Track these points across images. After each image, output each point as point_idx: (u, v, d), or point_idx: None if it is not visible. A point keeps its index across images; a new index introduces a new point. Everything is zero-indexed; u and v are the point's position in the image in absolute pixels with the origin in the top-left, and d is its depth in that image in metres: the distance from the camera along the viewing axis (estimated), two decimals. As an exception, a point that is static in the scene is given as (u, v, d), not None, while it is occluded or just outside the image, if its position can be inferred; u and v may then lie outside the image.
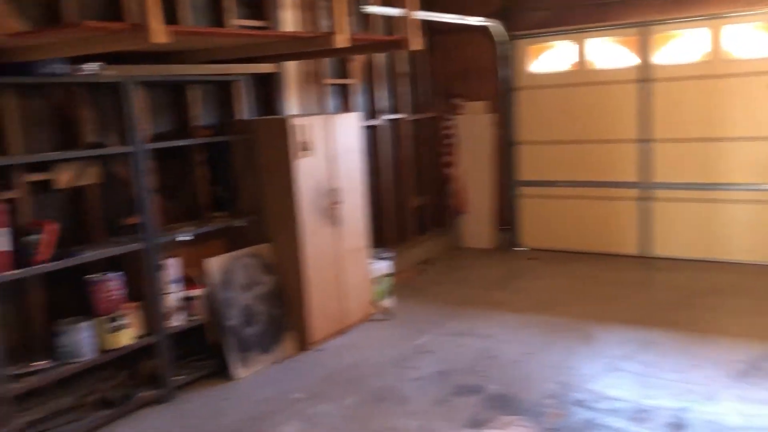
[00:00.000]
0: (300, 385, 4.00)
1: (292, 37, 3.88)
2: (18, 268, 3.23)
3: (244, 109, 4.66)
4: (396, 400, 3.75)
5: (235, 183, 4.58)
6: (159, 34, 2.69)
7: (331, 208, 4.63)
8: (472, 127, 7.06)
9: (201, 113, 4.45)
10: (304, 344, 4.50)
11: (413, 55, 6.60)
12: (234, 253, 4.33)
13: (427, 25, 6.46)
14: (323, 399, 3.80)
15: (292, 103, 5.08)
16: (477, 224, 7.19)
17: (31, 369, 3.36)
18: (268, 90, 4.95)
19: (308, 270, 4.47)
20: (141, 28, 2.67)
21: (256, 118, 4.74)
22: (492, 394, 3.74)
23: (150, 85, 4.11)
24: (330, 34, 3.70)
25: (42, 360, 3.43)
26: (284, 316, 4.49)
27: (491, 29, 6.65)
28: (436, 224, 7.16)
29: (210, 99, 4.55)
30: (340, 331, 4.76)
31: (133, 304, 3.74)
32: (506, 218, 7.09)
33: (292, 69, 5.08)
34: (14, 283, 3.44)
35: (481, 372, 4.04)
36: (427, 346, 4.49)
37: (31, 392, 3.43)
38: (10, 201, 3.40)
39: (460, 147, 7.11)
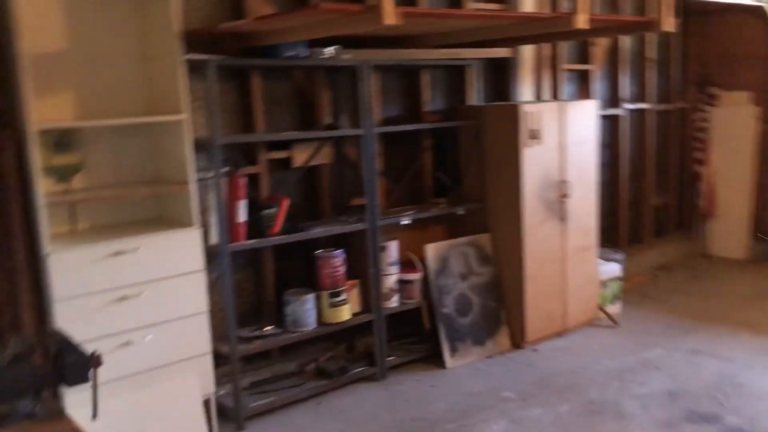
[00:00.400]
0: (511, 383, 3.84)
1: (529, 19, 3.68)
2: (254, 238, 3.47)
3: (474, 94, 4.56)
4: (615, 415, 3.43)
5: (460, 170, 4.52)
6: (391, 15, 2.67)
7: (557, 202, 4.37)
8: (731, 121, 6.23)
9: (430, 98, 4.44)
10: (518, 341, 4.32)
11: (664, 38, 5.99)
12: (453, 241, 4.28)
13: (683, 5, 5.81)
14: (535, 402, 3.60)
15: (524, 90, 4.87)
16: (728, 230, 6.36)
17: (260, 333, 3.61)
18: (500, 75, 4.80)
19: (528, 264, 4.26)
20: (374, 9, 2.68)
21: (485, 104, 4.62)
22: (730, 427, 3.25)
23: (383, 69, 4.18)
24: (570, 15, 3.44)
25: (270, 326, 3.67)
26: (500, 310, 4.35)
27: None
28: (678, 227, 6.47)
29: (440, 84, 4.53)
30: (559, 333, 4.49)
31: (353, 282, 3.86)
32: (766, 226, 6.18)
33: (527, 54, 4.86)
34: (251, 252, 3.73)
35: (720, 399, 3.54)
36: (656, 361, 4.05)
37: (257, 354, 3.71)
38: (252, 176, 3.67)
39: (713, 142, 6.34)
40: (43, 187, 2.78)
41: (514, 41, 4.48)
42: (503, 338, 4.32)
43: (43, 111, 2.88)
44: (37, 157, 2.73)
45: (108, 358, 2.81)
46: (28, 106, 2.66)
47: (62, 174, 3.06)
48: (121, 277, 2.90)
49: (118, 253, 2.88)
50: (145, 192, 3.21)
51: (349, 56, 3.72)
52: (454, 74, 4.57)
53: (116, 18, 3.17)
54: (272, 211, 3.52)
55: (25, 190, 2.78)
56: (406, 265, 4.12)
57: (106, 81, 3.15)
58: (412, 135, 4.37)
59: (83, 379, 1.61)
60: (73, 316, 2.76)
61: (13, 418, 1.50)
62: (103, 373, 2.80)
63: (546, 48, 4.98)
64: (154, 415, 2.96)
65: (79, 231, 3.12)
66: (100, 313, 2.84)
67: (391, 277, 4.02)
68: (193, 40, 3.24)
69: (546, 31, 3.72)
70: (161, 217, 3.35)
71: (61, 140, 3.01)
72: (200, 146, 3.30)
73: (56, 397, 2.73)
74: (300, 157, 3.86)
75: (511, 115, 4.15)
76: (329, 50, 3.61)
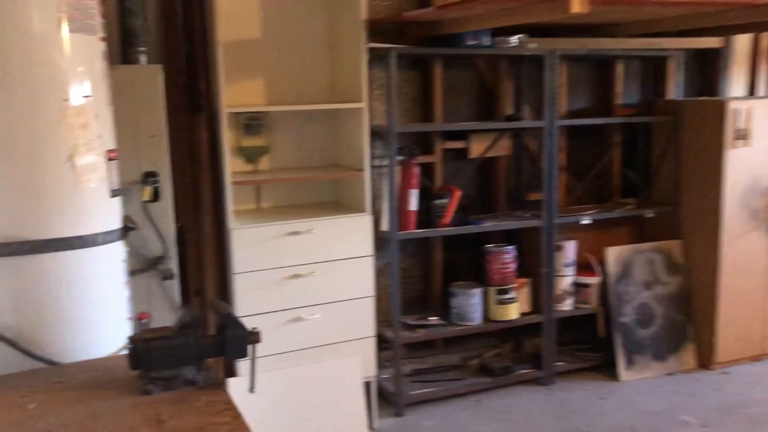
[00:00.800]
0: (692, 407, 3.49)
1: (743, 5, 3.26)
2: (424, 228, 3.47)
3: (674, 88, 4.17)
4: (816, 461, 2.99)
5: (651, 169, 4.17)
6: (578, 3, 2.50)
7: (765, 211, 3.88)
8: None
9: (622, 91, 4.13)
10: (706, 361, 3.92)
11: None
12: (637, 246, 3.96)
13: None
14: None
15: (735, 84, 4.38)
16: None
17: (424, 322, 3.61)
18: (707, 68, 4.36)
19: (725, 278, 3.83)
20: (560, -3, 2.52)
21: (686, 99, 4.21)
22: None
23: (572, 59, 3.96)
24: (796, -1, 3.01)
25: (435, 316, 3.66)
26: (687, 325, 3.97)
27: None
28: None
29: (635, 76, 4.20)
30: (756, 357, 4.01)
31: (523, 280, 3.72)
32: None
33: (742, 43, 4.35)
34: (420, 241, 3.75)
35: None
36: None
37: (421, 343, 3.71)
38: (426, 165, 3.65)
39: None
40: (232, 166, 2.98)
41: (727, 30, 4.02)
42: (688, 356, 3.94)
43: (236, 95, 3.09)
44: (227, 138, 2.93)
45: (277, 332, 2.99)
46: (221, 91, 2.86)
47: (250, 155, 3.27)
48: (295, 255, 3.04)
49: (294, 233, 3.02)
50: (323, 176, 3.33)
51: (534, 45, 3.57)
52: (653, 65, 4.21)
53: (306, 7, 3.30)
54: (444, 201, 3.49)
55: (215, 169, 3.01)
56: (583, 267, 3.89)
57: (293, 68, 3.30)
58: (600, 129, 4.11)
59: (242, 354, 1.68)
60: (250, 289, 2.94)
61: (177, 382, 1.61)
62: (271, 345, 2.96)
63: (766, 37, 4.42)
64: (315, 390, 3.08)
65: (261, 210, 3.32)
66: (273, 288, 3.00)
67: (566, 279, 3.83)
68: (378, 29, 3.29)
69: (765, 18, 3.29)
70: (337, 201, 3.46)
71: (251, 123, 3.21)
72: (378, 134, 3.35)
73: (228, 366, 2.93)
74: (477, 147, 3.79)
75: (716, 111, 3.75)
76: (514, 39, 3.48)
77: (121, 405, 1.53)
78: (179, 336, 1.65)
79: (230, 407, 1.54)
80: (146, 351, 1.59)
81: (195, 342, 1.65)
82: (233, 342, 1.68)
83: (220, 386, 1.66)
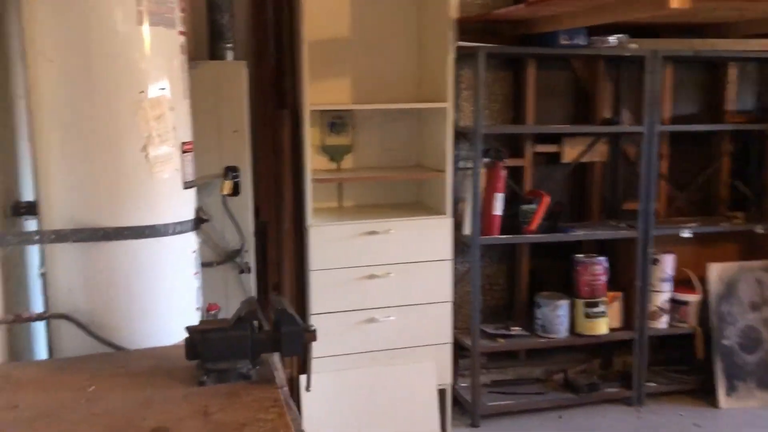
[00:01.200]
0: (800, 443, 3.19)
1: None
2: (509, 233, 3.34)
3: (796, 93, 3.83)
4: None
5: (765, 181, 3.83)
6: (679, -2, 2.33)
7: None
8: None
9: (734, 96, 3.82)
10: (820, 394, 3.56)
11: None
12: (745, 263, 3.66)
13: None
14: (828, 473, 2.94)
15: None
16: None
17: (506, 332, 3.48)
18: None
19: None
20: (659, -9, 2.35)
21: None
22: None
23: (677, 60, 3.70)
24: None
25: (518, 326, 3.52)
26: (799, 353, 3.62)
27: None
28: None
29: (751, 80, 3.87)
30: None
31: (615, 294, 3.52)
32: None
33: None
34: (505, 247, 3.63)
35: None
36: None
37: (503, 353, 3.59)
38: (515, 169, 3.52)
39: None
40: (316, 164, 2.99)
41: None
42: (801, 387, 3.60)
43: (322, 93, 3.10)
44: (311, 135, 2.94)
45: (351, 332, 2.97)
46: (305, 88, 2.87)
47: (334, 154, 3.27)
48: (372, 255, 3.01)
49: (372, 233, 2.99)
50: (404, 176, 3.28)
51: (635, 46, 3.36)
52: (772, 69, 3.88)
53: (396, 6, 3.27)
54: (531, 207, 3.36)
55: (298, 166, 3.02)
56: (681, 283, 3.64)
57: (380, 67, 3.28)
58: (707, 136, 3.83)
59: (297, 351, 1.66)
60: (325, 286, 2.94)
61: (231, 375, 1.61)
62: (344, 345, 2.94)
63: None
64: (388, 393, 3.04)
65: (342, 208, 3.32)
66: (349, 287, 2.98)
67: (662, 295, 3.59)
68: (470, 28, 3.21)
69: None
70: (418, 202, 3.40)
71: (335, 122, 3.22)
72: (465, 135, 3.27)
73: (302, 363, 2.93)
74: (570, 152, 3.62)
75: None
76: (613, 39, 3.29)
77: (175, 394, 1.54)
78: (235, 329, 1.65)
79: (277, 404, 1.51)
80: (202, 342, 1.60)
81: (250, 336, 1.65)
82: (288, 338, 1.65)
83: (272, 382, 1.64)
